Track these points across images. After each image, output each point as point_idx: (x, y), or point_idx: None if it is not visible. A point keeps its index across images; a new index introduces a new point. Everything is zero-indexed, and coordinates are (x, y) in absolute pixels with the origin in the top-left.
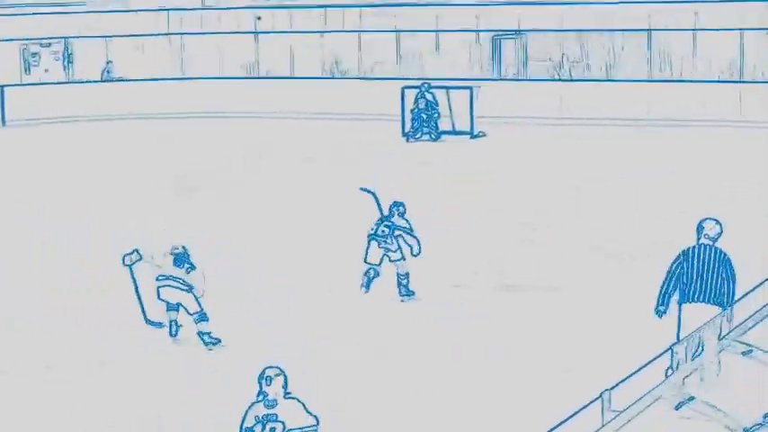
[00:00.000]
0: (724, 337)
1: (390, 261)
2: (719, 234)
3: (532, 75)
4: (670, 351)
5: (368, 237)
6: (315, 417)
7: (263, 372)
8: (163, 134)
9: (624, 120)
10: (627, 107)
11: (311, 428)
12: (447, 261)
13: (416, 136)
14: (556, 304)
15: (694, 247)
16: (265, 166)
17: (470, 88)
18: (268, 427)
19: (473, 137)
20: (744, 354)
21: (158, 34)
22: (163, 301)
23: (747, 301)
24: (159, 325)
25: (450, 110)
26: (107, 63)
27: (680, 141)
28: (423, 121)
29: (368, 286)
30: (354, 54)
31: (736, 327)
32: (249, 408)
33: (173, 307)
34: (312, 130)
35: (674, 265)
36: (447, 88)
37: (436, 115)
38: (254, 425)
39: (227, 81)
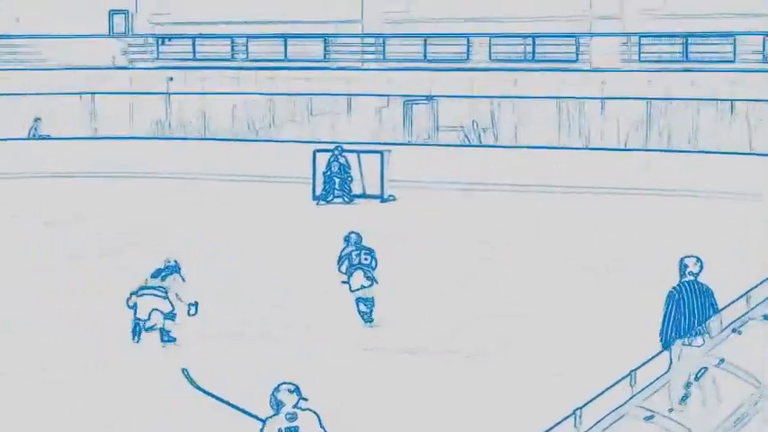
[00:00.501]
0: (625, 403)
1: (364, 287)
2: (701, 270)
3: (443, 140)
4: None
5: (350, 268)
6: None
7: (279, 387)
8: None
9: (533, 186)
10: (535, 173)
11: None
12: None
13: (327, 199)
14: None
15: (681, 285)
16: (169, 226)
17: (381, 152)
18: None
19: (383, 200)
20: (645, 419)
21: (71, 93)
22: (138, 319)
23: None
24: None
25: (362, 173)
26: (35, 121)
27: (588, 207)
28: (335, 184)
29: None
30: (267, 115)
31: (637, 393)
32: (265, 423)
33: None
34: (222, 192)
35: (670, 307)
36: (358, 152)
37: (349, 179)
38: None
39: (137, 141)
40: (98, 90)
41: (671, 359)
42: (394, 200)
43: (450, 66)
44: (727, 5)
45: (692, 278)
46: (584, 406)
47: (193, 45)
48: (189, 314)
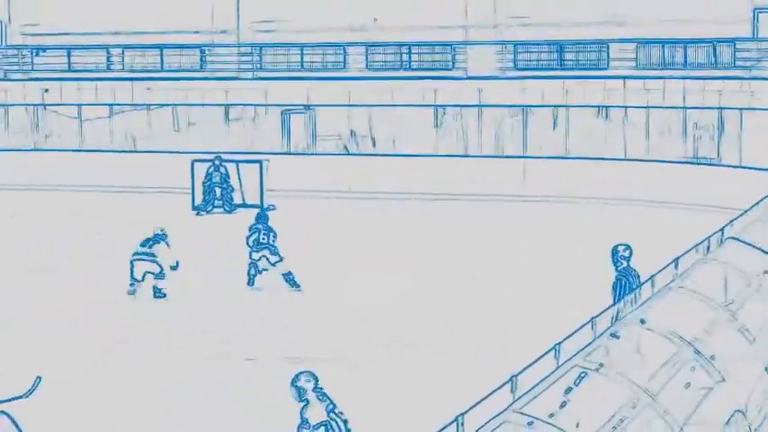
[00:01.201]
0: (505, 410)
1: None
2: (631, 255)
3: (321, 149)
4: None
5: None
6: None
7: (298, 376)
8: None
9: (410, 194)
10: (412, 181)
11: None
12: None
13: (208, 209)
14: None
15: (620, 271)
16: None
17: (260, 162)
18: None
19: (263, 210)
20: (527, 425)
21: None
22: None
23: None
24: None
25: (241, 183)
26: None
27: (464, 214)
28: (215, 194)
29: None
30: (144, 128)
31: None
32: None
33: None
34: (99, 203)
35: (618, 291)
36: (237, 162)
37: (230, 189)
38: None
39: (13, 153)
40: None
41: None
42: (274, 209)
43: (327, 75)
44: (600, 14)
45: (625, 263)
46: (465, 412)
47: (68, 56)
48: (171, 269)
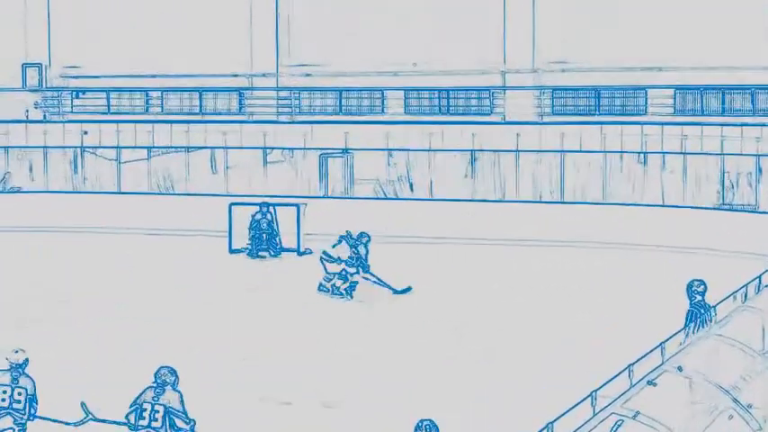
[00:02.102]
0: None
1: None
2: (705, 290)
3: (359, 193)
4: None
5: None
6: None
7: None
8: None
9: (449, 238)
10: (451, 225)
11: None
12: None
13: (258, 253)
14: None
15: (696, 303)
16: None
17: (297, 206)
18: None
19: (300, 254)
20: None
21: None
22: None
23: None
24: None
25: (278, 227)
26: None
27: (505, 259)
28: (263, 239)
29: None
30: (182, 169)
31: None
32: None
33: None
34: (137, 245)
35: (693, 318)
36: (274, 205)
37: (276, 233)
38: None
39: (52, 195)
40: (11, 144)
41: None
42: (311, 253)
43: (365, 118)
44: (638, 59)
45: (699, 297)
46: None
47: (107, 98)
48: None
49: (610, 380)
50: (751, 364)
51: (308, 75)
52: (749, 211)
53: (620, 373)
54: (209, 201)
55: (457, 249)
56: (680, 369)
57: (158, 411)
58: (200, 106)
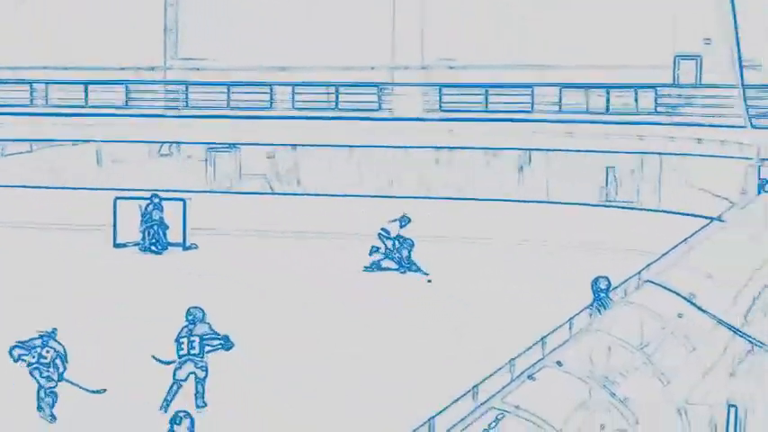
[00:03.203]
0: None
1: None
2: (609, 287)
3: (246, 187)
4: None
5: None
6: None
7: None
8: None
9: (336, 233)
10: (339, 220)
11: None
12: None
13: (149, 247)
14: None
15: (601, 299)
16: None
17: (183, 200)
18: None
19: (185, 248)
20: None
21: None
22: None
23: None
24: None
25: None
26: None
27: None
28: (154, 232)
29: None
30: (66, 162)
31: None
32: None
33: None
34: (22, 240)
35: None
36: (161, 199)
37: (165, 227)
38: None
39: None
40: None
41: None
42: (196, 248)
43: (253, 113)
44: (525, 58)
45: (603, 294)
46: None
47: None
48: None
49: (491, 374)
50: (629, 359)
51: (196, 69)
52: (631, 208)
53: (501, 368)
54: (94, 194)
55: (347, 244)
56: (559, 364)
57: (194, 341)
58: (86, 99)
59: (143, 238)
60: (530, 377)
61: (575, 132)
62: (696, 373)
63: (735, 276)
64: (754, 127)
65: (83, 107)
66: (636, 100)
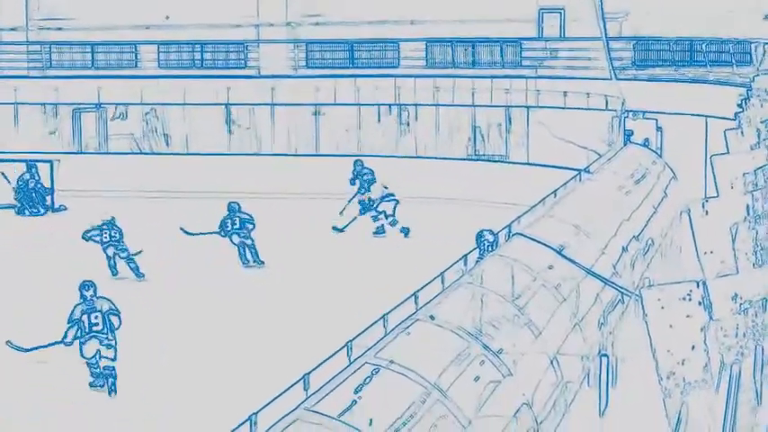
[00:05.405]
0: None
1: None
2: (495, 239)
3: (113, 148)
4: None
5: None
6: None
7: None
8: None
9: (205, 192)
10: (207, 180)
11: None
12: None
13: (24, 212)
14: None
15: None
16: None
17: (51, 162)
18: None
19: (54, 210)
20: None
21: None
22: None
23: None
24: None
25: (52, 185)
26: None
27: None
28: (31, 197)
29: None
30: None
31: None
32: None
33: None
34: None
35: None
36: (28, 161)
37: (48, 192)
38: None
39: None
40: None
41: None
42: (65, 209)
43: (118, 73)
44: (391, 13)
45: (488, 246)
46: (258, 411)
47: None
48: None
49: (364, 329)
50: (501, 311)
51: (59, 29)
52: (499, 161)
53: (374, 322)
54: None
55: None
56: (432, 318)
57: (97, 318)
58: None
59: (21, 204)
60: (403, 331)
61: (441, 87)
62: (567, 324)
63: (603, 227)
64: (618, 79)
65: None
66: (501, 54)
